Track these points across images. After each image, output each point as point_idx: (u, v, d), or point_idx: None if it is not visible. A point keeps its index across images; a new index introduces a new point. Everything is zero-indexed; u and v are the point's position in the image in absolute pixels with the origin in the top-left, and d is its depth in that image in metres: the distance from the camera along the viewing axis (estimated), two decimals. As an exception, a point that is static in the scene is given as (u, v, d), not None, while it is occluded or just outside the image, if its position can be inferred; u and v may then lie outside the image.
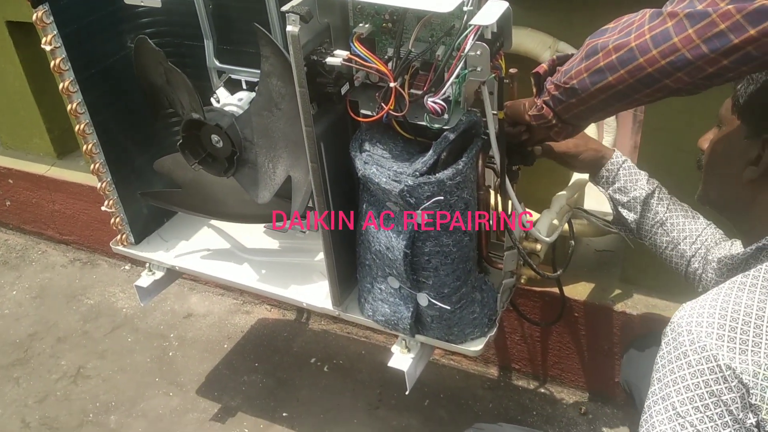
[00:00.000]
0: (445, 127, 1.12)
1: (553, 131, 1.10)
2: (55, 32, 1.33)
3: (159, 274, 1.64)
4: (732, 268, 0.97)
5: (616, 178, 1.28)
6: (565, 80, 1.00)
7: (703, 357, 0.80)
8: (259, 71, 1.36)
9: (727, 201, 0.99)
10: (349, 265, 1.36)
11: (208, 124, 1.34)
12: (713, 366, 0.80)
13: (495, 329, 1.31)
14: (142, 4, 1.44)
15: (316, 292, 1.48)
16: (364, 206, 1.25)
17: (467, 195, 1.16)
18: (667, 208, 1.27)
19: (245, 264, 1.59)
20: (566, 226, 1.44)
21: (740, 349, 0.79)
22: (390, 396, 1.91)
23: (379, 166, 1.15)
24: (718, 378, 0.79)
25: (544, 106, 1.06)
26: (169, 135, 1.60)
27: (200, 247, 1.65)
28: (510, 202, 1.25)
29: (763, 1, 0.74)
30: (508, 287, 1.34)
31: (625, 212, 1.29)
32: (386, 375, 1.96)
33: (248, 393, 1.97)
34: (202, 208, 1.58)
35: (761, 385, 0.78)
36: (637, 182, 1.27)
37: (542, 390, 1.86)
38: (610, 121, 1.39)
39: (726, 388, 0.79)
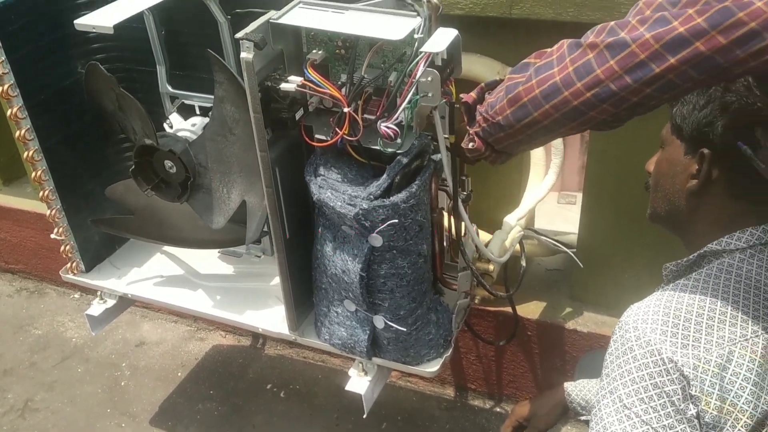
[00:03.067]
0: (398, 152, 1.14)
1: (488, 160, 1.11)
2: (3, 58, 1.31)
3: (111, 303, 1.61)
4: (677, 274, 1.02)
5: (585, 406, 1.27)
6: (491, 114, 1.00)
7: (648, 351, 0.85)
8: (212, 96, 1.37)
9: (674, 216, 1.04)
10: (304, 289, 1.36)
11: (161, 149, 1.33)
12: (657, 359, 0.84)
13: (451, 350, 1.33)
14: (94, 29, 1.43)
15: (272, 317, 1.47)
16: (320, 230, 1.26)
17: (421, 217, 1.18)
18: None
19: (199, 290, 1.58)
20: (518, 246, 1.47)
21: (682, 343, 0.84)
22: (347, 420, 1.90)
23: (334, 190, 1.16)
24: (661, 371, 0.84)
25: (476, 137, 1.06)
26: (121, 161, 1.58)
27: (153, 273, 1.63)
28: (463, 224, 1.28)
29: (680, 30, 0.76)
30: (463, 308, 1.36)
31: None
32: (343, 399, 1.96)
33: (203, 421, 1.94)
34: (155, 234, 1.57)
35: (701, 377, 0.83)
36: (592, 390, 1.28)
37: (498, 409, 1.88)
38: (558, 143, 1.44)
39: (668, 380, 0.83)
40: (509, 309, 1.67)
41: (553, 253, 1.69)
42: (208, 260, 1.66)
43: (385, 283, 1.20)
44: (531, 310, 1.71)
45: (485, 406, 1.89)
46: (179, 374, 2.10)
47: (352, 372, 1.35)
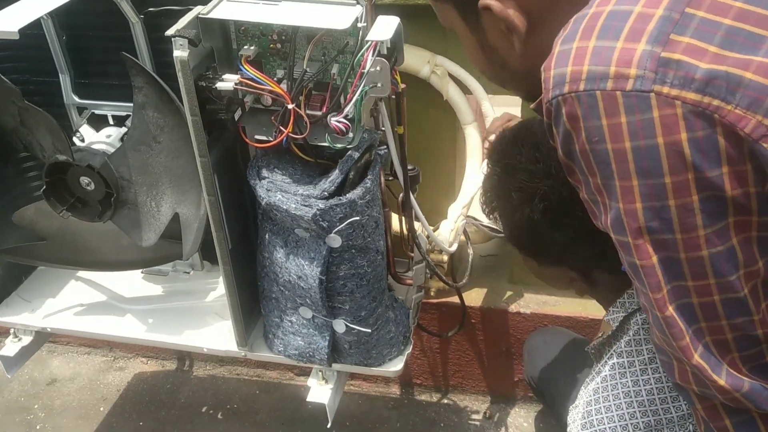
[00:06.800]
0: (348, 146, 1.09)
1: None
2: None
3: (27, 340, 1.45)
4: (603, 344, 1.05)
5: None
6: None
7: None
8: (125, 104, 1.26)
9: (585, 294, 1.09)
10: (250, 301, 1.28)
11: (78, 165, 1.21)
12: None
13: (410, 346, 1.30)
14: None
15: (214, 335, 1.38)
16: (267, 236, 1.18)
17: (376, 213, 1.14)
18: None
19: (128, 315, 1.45)
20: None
21: None
22: (293, 433, 1.83)
23: (284, 192, 1.10)
24: None
25: None
26: (22, 182, 1.43)
27: (72, 303, 1.48)
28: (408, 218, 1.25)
29: None
30: (418, 302, 1.33)
31: None
32: (286, 412, 1.88)
33: (136, 456, 1.81)
34: (72, 259, 1.43)
35: None
36: None
37: (446, 401, 1.87)
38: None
39: None
40: (451, 300, 1.67)
41: (488, 239, 1.69)
42: (130, 283, 1.53)
43: (344, 284, 1.14)
44: (473, 297, 1.70)
45: (432, 399, 1.87)
46: (101, 409, 1.94)
47: (312, 382, 1.29)
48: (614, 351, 0.96)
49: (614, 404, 0.91)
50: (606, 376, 0.94)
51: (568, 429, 0.99)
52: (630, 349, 0.94)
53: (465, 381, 1.84)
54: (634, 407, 0.90)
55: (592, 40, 0.66)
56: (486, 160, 1.07)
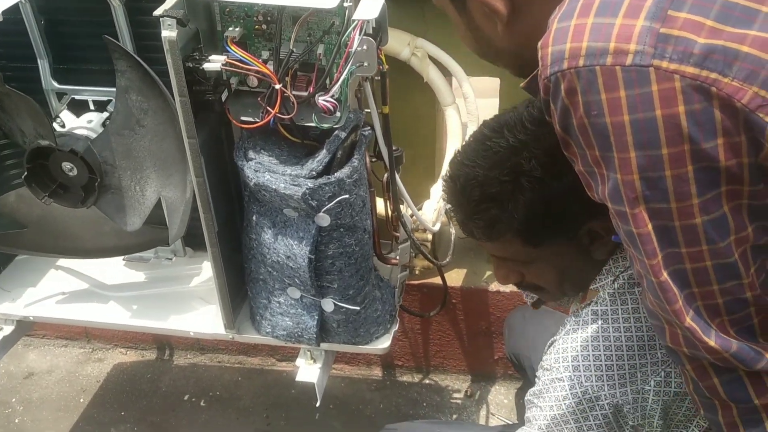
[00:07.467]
0: (335, 126, 1.10)
1: None
2: None
3: (8, 329, 1.43)
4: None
5: None
6: None
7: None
8: (105, 89, 1.25)
9: (585, 283, 1.07)
10: (236, 284, 1.29)
11: (61, 150, 1.20)
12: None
13: (397, 324, 1.32)
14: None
15: (199, 319, 1.38)
16: (254, 218, 1.19)
17: (363, 192, 1.15)
18: None
19: (111, 302, 1.44)
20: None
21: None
22: (278, 417, 1.84)
23: (272, 173, 1.11)
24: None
25: None
26: (1, 170, 1.41)
27: (53, 291, 1.47)
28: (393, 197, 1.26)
29: None
30: (402, 281, 1.35)
31: None
32: (270, 397, 1.90)
33: (119, 445, 1.80)
34: (53, 247, 1.41)
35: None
36: None
37: (427, 381, 1.90)
38: (473, 110, 1.46)
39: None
40: (432, 281, 1.69)
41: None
42: (112, 270, 1.52)
43: (333, 263, 1.16)
44: (453, 278, 1.73)
45: (414, 379, 1.90)
46: (81, 400, 1.93)
47: (300, 362, 1.30)
48: (598, 301, 0.99)
49: (592, 345, 0.95)
50: (587, 320, 0.98)
51: (542, 359, 1.02)
52: (614, 298, 0.97)
53: (446, 361, 1.87)
54: (611, 351, 0.94)
55: (590, 17, 0.68)
56: (451, 196, 1.05)
